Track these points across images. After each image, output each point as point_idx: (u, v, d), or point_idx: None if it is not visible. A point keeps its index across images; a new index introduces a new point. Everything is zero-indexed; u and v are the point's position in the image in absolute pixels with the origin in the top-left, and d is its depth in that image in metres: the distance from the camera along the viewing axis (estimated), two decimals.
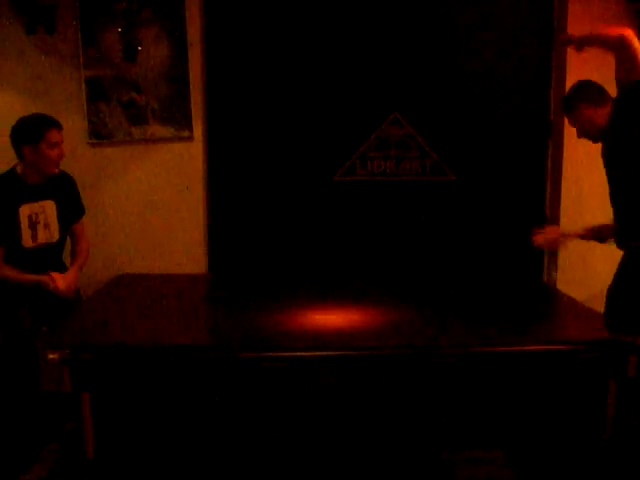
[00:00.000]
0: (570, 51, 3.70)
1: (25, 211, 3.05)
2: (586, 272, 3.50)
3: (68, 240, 3.29)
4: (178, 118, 3.78)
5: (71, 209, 3.26)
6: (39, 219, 3.09)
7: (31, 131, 2.99)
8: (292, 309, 2.80)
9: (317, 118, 3.84)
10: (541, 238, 3.17)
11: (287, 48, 3.80)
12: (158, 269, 3.75)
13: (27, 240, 3.05)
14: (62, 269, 3.19)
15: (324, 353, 2.32)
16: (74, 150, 3.79)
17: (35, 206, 3.07)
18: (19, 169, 3.08)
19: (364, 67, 3.81)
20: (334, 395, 2.40)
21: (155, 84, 3.78)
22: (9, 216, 3.01)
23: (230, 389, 2.35)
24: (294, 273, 3.75)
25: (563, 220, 3.80)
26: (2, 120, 3.81)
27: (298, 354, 2.31)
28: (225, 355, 2.30)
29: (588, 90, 2.84)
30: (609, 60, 2.46)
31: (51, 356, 2.24)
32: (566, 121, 2.99)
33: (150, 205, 3.81)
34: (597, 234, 3.02)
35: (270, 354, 2.30)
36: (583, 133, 2.86)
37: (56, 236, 3.15)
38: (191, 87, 3.76)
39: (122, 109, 3.79)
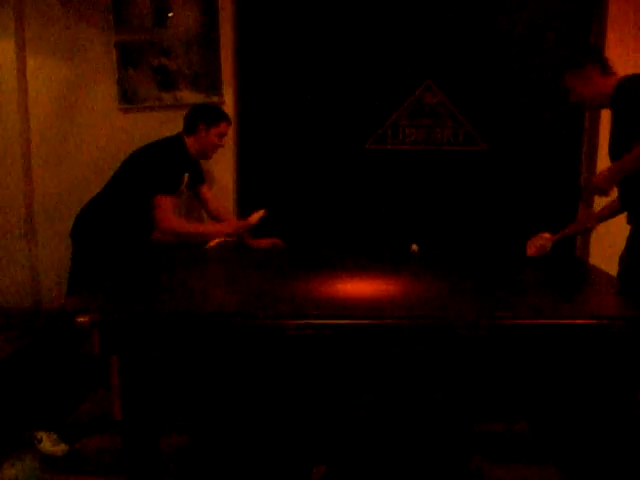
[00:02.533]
0: (610, 15, 3.62)
1: (184, 179, 3.27)
2: (619, 247, 3.43)
3: None
4: (208, 83, 3.76)
5: (197, 179, 3.48)
6: (183, 189, 3.34)
7: (213, 114, 3.26)
8: (322, 277, 2.78)
9: (349, 85, 3.79)
10: (532, 247, 3.17)
11: (321, 13, 3.74)
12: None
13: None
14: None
15: (352, 322, 2.31)
16: (105, 115, 3.81)
17: (185, 176, 3.28)
18: (187, 140, 3.28)
19: (397, 34, 3.74)
20: (360, 366, 2.39)
21: (185, 49, 3.75)
22: (180, 178, 3.22)
23: (256, 356, 2.35)
24: (325, 241, 3.73)
25: None
26: (35, 84, 3.86)
27: (325, 322, 2.30)
28: (254, 322, 2.29)
29: (598, 54, 2.84)
30: None
31: (81, 319, 2.25)
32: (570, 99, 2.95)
33: None
34: (578, 228, 3.22)
35: (298, 322, 2.29)
36: (578, 97, 2.81)
37: None
38: (222, 52, 3.73)
39: (152, 74, 3.79)
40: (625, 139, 2.70)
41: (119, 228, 3.15)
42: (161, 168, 3.14)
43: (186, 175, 3.26)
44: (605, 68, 2.74)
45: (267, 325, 2.28)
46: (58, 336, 3.03)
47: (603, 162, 3.71)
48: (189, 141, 3.27)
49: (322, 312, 2.33)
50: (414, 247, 3.15)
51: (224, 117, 3.30)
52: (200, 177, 3.50)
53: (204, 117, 3.24)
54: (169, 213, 3.14)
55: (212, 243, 3.24)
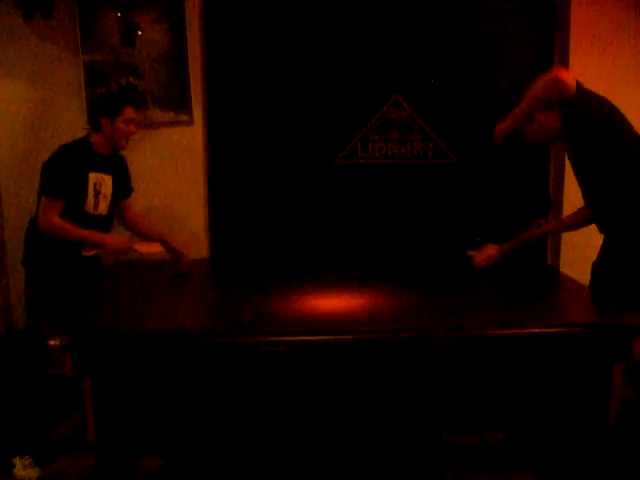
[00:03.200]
0: (574, 32, 3.69)
1: (92, 178, 3.15)
2: (590, 254, 3.47)
3: None
4: (177, 102, 3.76)
5: (124, 187, 3.39)
6: (101, 190, 3.20)
7: (111, 105, 3.16)
8: (292, 294, 2.78)
9: (318, 101, 3.81)
10: (479, 258, 3.22)
11: (287, 31, 3.77)
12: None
13: (89, 207, 3.16)
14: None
15: (323, 337, 2.31)
16: (74, 135, 3.75)
17: (100, 176, 3.19)
18: (92, 138, 3.19)
19: (364, 49, 3.78)
20: (333, 380, 2.38)
21: (154, 68, 3.75)
22: (79, 178, 3.11)
23: (229, 374, 2.34)
24: (295, 258, 3.73)
25: (566, 202, 3.77)
26: (1, 104, 3.82)
27: (297, 338, 2.30)
28: (225, 340, 2.29)
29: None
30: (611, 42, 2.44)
31: (52, 342, 2.23)
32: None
33: (150, 190, 3.79)
34: (524, 241, 3.25)
35: (269, 339, 2.29)
36: (532, 138, 2.90)
37: (106, 210, 3.24)
38: (190, 71, 3.73)
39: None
40: (584, 155, 2.74)
41: (53, 244, 3.11)
42: (48, 168, 3.10)
43: (91, 175, 3.14)
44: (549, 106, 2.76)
45: (241, 343, 2.28)
46: (30, 359, 2.99)
47: (571, 174, 3.77)
48: (96, 139, 3.18)
49: (294, 329, 2.33)
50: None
51: (124, 101, 3.21)
52: (124, 185, 3.40)
53: (104, 111, 3.17)
54: (48, 213, 3.04)
55: (89, 252, 3.12)
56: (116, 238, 3.21)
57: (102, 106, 3.24)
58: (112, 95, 3.43)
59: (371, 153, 3.86)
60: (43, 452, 2.86)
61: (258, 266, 3.47)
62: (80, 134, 3.74)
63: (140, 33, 3.72)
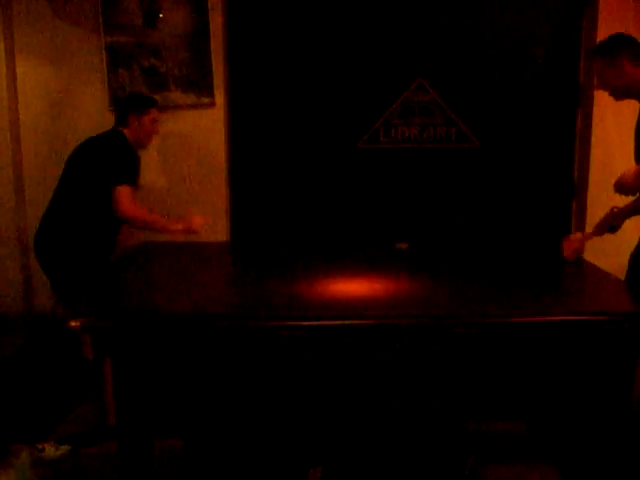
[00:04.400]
0: (601, 11, 3.62)
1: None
2: (614, 242, 3.43)
3: None
4: (199, 85, 3.75)
5: None
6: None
7: (140, 103, 3.24)
8: (313, 278, 2.77)
9: (341, 85, 3.77)
10: (568, 250, 3.01)
11: (311, 13, 3.73)
12: (181, 237, 3.73)
13: None
14: None
15: (344, 322, 2.30)
16: (96, 117, 3.78)
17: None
18: (126, 133, 3.22)
19: (388, 33, 3.73)
20: (354, 366, 2.37)
21: (176, 50, 3.73)
22: (136, 166, 3.18)
23: (249, 358, 2.34)
24: (317, 241, 3.72)
25: (591, 187, 3.72)
26: (25, 87, 3.84)
27: (318, 323, 2.29)
28: (245, 323, 2.28)
29: (632, 43, 2.69)
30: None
31: (73, 324, 2.24)
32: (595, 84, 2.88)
33: (171, 172, 3.80)
34: (607, 226, 2.97)
35: (290, 323, 2.28)
36: (607, 86, 2.72)
37: None
38: (212, 53, 3.71)
39: (143, 76, 3.76)
40: None
41: (84, 236, 3.13)
42: (118, 159, 3.12)
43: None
44: (637, 58, 2.64)
45: (261, 326, 2.27)
46: (51, 341, 3.02)
47: (596, 159, 3.71)
48: (128, 133, 3.23)
49: (316, 313, 2.32)
50: (402, 245, 3.10)
51: (152, 102, 3.28)
52: None
53: (133, 107, 3.23)
54: (130, 200, 3.11)
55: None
56: (176, 223, 3.30)
57: (131, 102, 3.29)
58: (141, 95, 3.45)
59: (394, 137, 3.82)
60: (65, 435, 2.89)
61: (279, 250, 3.46)
62: (104, 117, 3.79)
63: (162, 15, 3.71)
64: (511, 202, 3.85)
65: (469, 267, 3.05)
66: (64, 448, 2.82)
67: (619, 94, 2.72)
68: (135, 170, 3.16)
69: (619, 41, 2.69)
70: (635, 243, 2.90)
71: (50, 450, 2.80)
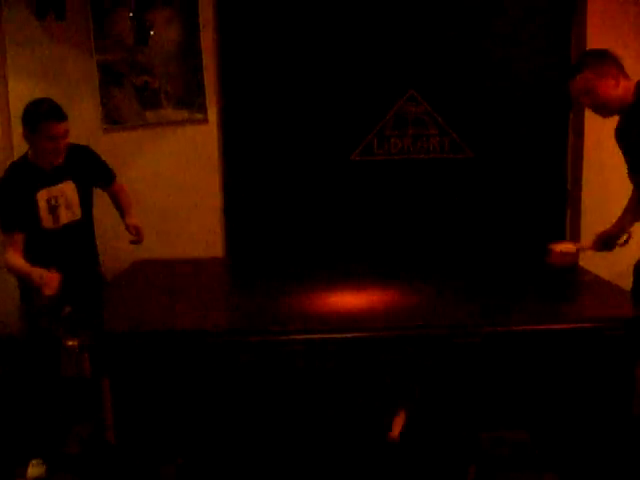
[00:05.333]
0: (590, 21, 3.64)
1: (43, 196, 2.96)
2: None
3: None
4: (192, 101, 3.75)
5: (96, 178, 3.18)
6: (59, 202, 3.00)
7: (29, 121, 2.87)
8: (309, 291, 2.77)
9: (333, 98, 3.78)
10: (556, 257, 2.96)
11: (301, 28, 3.75)
12: (175, 254, 3.74)
13: (48, 222, 2.97)
14: (93, 249, 3.19)
15: (342, 335, 2.29)
16: (88, 135, 3.76)
17: (52, 190, 2.98)
18: (30, 155, 2.99)
19: (379, 44, 3.74)
20: (354, 378, 2.37)
21: (168, 67, 3.74)
22: (26, 203, 2.92)
23: (246, 373, 2.33)
24: (311, 255, 3.71)
25: (584, 193, 3.73)
26: (17, 106, 3.82)
27: (315, 336, 2.29)
28: (243, 339, 2.28)
29: (611, 55, 2.61)
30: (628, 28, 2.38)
31: (70, 343, 2.23)
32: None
33: (165, 189, 3.80)
34: (604, 243, 2.91)
35: (287, 337, 2.28)
36: (595, 99, 2.60)
37: (78, 214, 3.07)
38: (204, 69, 3.72)
39: (135, 93, 3.77)
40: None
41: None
42: None
43: (40, 194, 2.94)
44: (622, 68, 2.59)
45: (259, 341, 2.26)
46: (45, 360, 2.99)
47: (589, 166, 3.73)
48: (31, 154, 2.97)
49: (311, 327, 2.31)
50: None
51: (42, 118, 2.82)
52: (98, 176, 3.20)
53: (25, 123, 2.88)
54: (7, 248, 2.87)
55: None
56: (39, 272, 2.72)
57: (24, 117, 2.89)
58: (31, 110, 2.89)
59: (387, 149, 3.83)
60: (56, 454, 2.84)
61: (274, 264, 3.45)
62: (97, 135, 3.78)
63: (153, 32, 3.71)
64: (505, 211, 3.86)
65: (467, 277, 3.05)
66: (42, 468, 2.75)
67: (608, 110, 2.63)
68: (9, 216, 2.88)
69: (606, 55, 2.63)
70: (632, 252, 2.88)
71: (31, 468, 2.75)
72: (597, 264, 3.12)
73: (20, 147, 3.84)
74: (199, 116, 3.76)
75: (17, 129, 3.83)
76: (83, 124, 3.80)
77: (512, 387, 2.39)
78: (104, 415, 2.38)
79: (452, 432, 2.57)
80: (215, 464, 2.58)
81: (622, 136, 2.71)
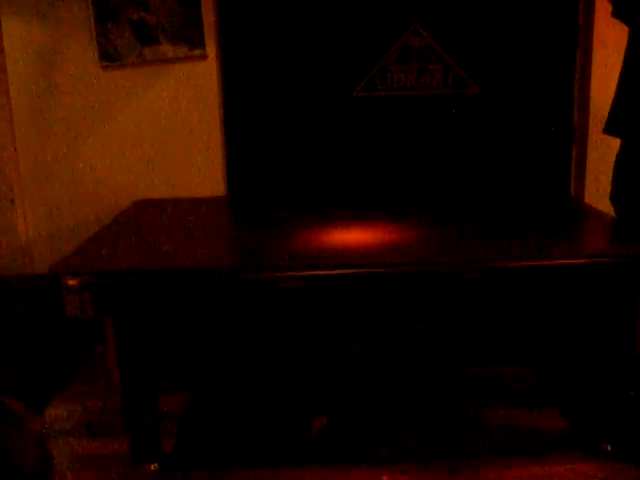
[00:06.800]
0: None
1: None
2: None
3: None
4: (190, 36, 3.65)
5: None
6: None
7: None
8: (312, 227, 2.75)
9: (335, 32, 3.68)
10: None
11: None
12: (176, 193, 3.71)
13: None
14: None
15: (344, 271, 2.28)
16: (85, 73, 3.71)
17: None
18: None
19: None
20: (356, 315, 2.36)
21: (165, 2, 3.63)
22: None
23: (248, 310, 2.33)
24: (314, 192, 3.68)
25: (591, 131, 3.67)
26: (11, 45, 3.75)
27: (317, 273, 2.27)
28: (243, 276, 2.27)
29: None
30: None
31: (71, 282, 2.23)
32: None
33: (164, 127, 3.73)
34: None
35: (287, 274, 2.27)
36: None
37: None
38: (202, 3, 3.61)
39: (132, 29, 3.67)
40: None
41: None
42: None
43: None
44: None
45: (260, 279, 2.25)
46: (50, 301, 3.00)
47: (596, 102, 3.65)
48: None
49: (311, 263, 2.30)
50: None
51: None
52: None
53: None
54: None
55: None
56: None
57: None
58: None
59: (390, 84, 3.74)
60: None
61: (276, 201, 3.43)
62: (94, 73, 3.70)
63: None
64: (510, 148, 3.80)
65: (471, 213, 3.03)
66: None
67: None
68: None
69: None
70: None
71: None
72: (600, 200, 3.09)
73: (15, 81, 3.79)
74: (198, 52, 3.67)
75: (13, 67, 3.78)
76: (79, 62, 3.72)
77: (514, 323, 2.39)
78: (107, 353, 2.40)
79: (453, 368, 2.58)
80: (219, 399, 2.61)
81: None
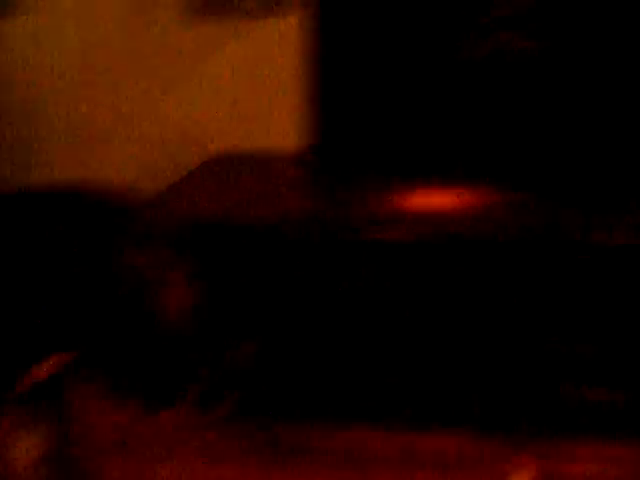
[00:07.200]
0: None
1: None
2: None
3: None
4: None
5: None
6: None
7: None
8: (404, 190, 2.69)
9: None
10: None
11: None
12: (260, 145, 3.61)
13: None
14: None
15: (430, 235, 2.23)
16: (166, 27, 3.67)
17: None
18: None
19: None
20: (444, 283, 2.30)
21: None
22: None
23: (329, 270, 2.30)
24: (408, 154, 3.56)
25: None
26: None
27: (402, 234, 2.22)
28: (327, 232, 2.23)
29: None
30: None
31: (149, 229, 2.24)
32: None
33: (252, 80, 3.67)
34: None
35: (376, 235, 2.22)
36: None
37: None
38: None
39: None
40: None
41: None
42: None
43: None
44: None
45: (347, 237, 2.22)
46: None
47: None
48: None
49: (402, 224, 2.25)
50: None
51: None
52: None
53: None
54: None
55: None
56: None
57: None
58: None
59: (497, 46, 3.57)
60: None
61: (365, 161, 3.34)
62: (172, 25, 3.62)
63: None
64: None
65: (572, 182, 2.88)
66: None
67: None
68: None
69: None
70: None
71: None
72: None
73: (95, 31, 3.80)
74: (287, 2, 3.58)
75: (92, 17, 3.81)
76: (161, 14, 3.68)
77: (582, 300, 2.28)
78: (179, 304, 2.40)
79: (542, 344, 2.48)
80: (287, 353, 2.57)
81: None
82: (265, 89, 3.69)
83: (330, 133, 3.74)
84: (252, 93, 3.70)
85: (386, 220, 2.31)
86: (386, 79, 3.65)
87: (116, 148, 3.89)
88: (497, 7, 3.46)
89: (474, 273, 2.25)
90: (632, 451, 2.26)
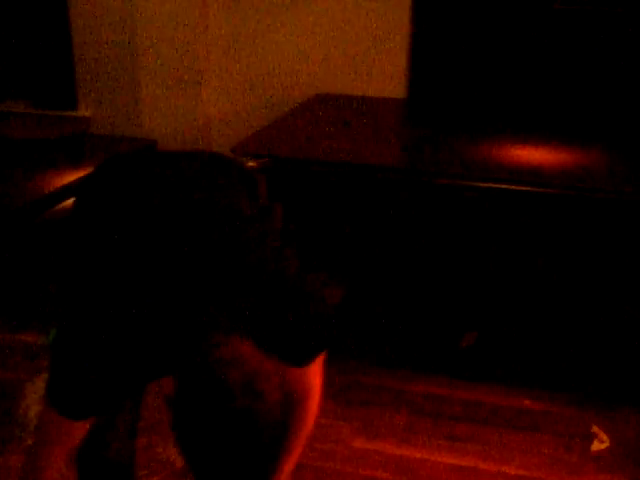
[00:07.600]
0: None
1: None
2: None
3: None
4: None
5: None
6: None
7: None
8: (492, 141, 2.66)
9: None
10: None
11: None
12: (357, 91, 3.68)
13: None
14: None
15: (516, 187, 2.22)
16: None
17: None
18: None
19: None
20: (524, 232, 2.30)
21: None
22: None
23: (417, 214, 2.32)
24: (500, 105, 3.49)
25: None
26: None
27: (491, 185, 2.22)
28: (416, 179, 2.25)
29: None
30: None
31: (250, 163, 2.31)
32: None
33: (352, 25, 3.69)
34: None
35: (462, 183, 2.23)
36: None
37: None
38: None
39: None
40: None
41: None
42: None
43: None
44: None
45: (432, 184, 2.23)
46: None
47: None
48: None
49: (491, 175, 2.24)
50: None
51: None
52: None
53: None
54: None
55: None
56: None
57: None
58: None
59: None
60: None
61: (458, 111, 3.31)
62: None
63: None
64: None
65: None
66: None
67: None
68: None
69: None
70: None
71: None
72: None
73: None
74: None
75: None
76: None
77: None
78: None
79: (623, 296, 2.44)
80: (371, 299, 2.64)
81: None
82: (368, 35, 3.69)
83: (423, 84, 3.71)
84: (356, 37, 3.70)
85: (478, 169, 2.29)
86: (479, 31, 3.57)
87: (217, 89, 3.99)
88: None
89: (562, 225, 2.23)
90: None
